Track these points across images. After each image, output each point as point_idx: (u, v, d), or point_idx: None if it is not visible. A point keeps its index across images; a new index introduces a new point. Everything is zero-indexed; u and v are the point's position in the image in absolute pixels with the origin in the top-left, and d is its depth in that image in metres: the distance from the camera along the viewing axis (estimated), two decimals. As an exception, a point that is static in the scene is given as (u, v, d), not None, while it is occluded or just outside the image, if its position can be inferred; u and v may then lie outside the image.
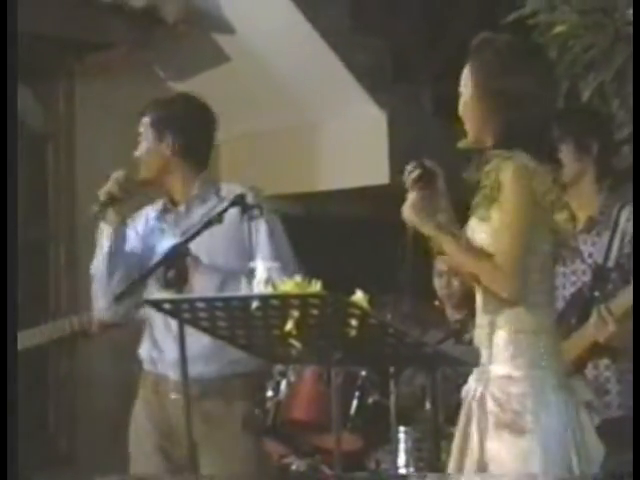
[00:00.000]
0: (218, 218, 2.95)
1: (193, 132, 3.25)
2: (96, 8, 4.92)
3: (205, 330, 2.50)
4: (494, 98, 2.54)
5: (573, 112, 3.52)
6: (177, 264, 2.74)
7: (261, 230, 3.16)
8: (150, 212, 3.30)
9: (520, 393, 2.50)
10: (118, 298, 2.93)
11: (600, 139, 3.28)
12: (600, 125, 3.40)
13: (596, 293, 3.10)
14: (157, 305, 2.49)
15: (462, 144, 2.58)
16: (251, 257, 3.05)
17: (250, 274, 2.38)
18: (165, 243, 3.09)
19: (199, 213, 3.19)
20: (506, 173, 2.50)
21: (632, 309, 2.92)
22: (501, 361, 2.54)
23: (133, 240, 3.23)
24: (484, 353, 2.57)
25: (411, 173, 2.57)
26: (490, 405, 2.51)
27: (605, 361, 3.12)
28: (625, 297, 3.00)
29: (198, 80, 5.36)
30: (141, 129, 3.30)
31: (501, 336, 2.54)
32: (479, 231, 2.55)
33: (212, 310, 2.35)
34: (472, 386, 2.58)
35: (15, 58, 2.82)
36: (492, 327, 2.55)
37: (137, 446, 3.22)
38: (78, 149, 5.09)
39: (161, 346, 3.17)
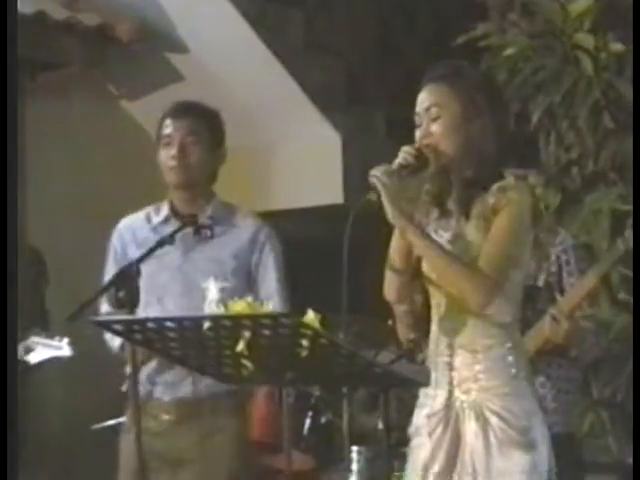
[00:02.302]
0: (170, 239, 2.95)
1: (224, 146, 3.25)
2: (49, 26, 4.90)
3: (157, 351, 2.48)
4: (485, 119, 2.56)
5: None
6: (128, 284, 2.72)
7: (268, 258, 3.20)
8: (141, 221, 3.24)
9: (529, 410, 2.54)
10: (70, 318, 2.91)
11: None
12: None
13: (528, 313, 3.17)
14: (108, 326, 2.48)
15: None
16: (256, 284, 3.13)
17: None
18: (170, 255, 3.08)
19: (208, 234, 3.15)
20: (517, 191, 2.52)
21: (579, 307, 3.01)
22: (496, 377, 2.54)
23: (132, 246, 3.20)
24: (448, 374, 2.57)
25: (405, 151, 2.54)
26: (494, 422, 2.52)
27: (541, 379, 3.18)
28: (570, 295, 3.09)
29: (152, 99, 5.35)
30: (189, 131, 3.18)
31: (494, 353, 2.55)
32: (469, 240, 2.56)
33: (163, 331, 2.34)
34: (459, 405, 2.56)
35: (15, 57, 2.81)
36: (452, 349, 2.57)
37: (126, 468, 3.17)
38: (29, 167, 5.06)
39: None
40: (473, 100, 2.57)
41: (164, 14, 5.13)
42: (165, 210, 3.24)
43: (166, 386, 3.13)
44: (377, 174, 2.52)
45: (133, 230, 3.24)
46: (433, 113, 2.57)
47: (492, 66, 4.25)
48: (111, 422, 4.11)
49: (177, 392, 3.13)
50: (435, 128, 2.57)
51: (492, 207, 2.53)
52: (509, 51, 4.30)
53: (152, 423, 3.12)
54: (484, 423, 2.53)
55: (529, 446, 2.51)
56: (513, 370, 2.55)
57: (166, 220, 3.22)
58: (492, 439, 2.51)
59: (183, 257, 3.17)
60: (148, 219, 3.25)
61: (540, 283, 3.20)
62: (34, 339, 3.61)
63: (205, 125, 3.23)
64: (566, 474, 2.66)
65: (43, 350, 3.61)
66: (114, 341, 3.16)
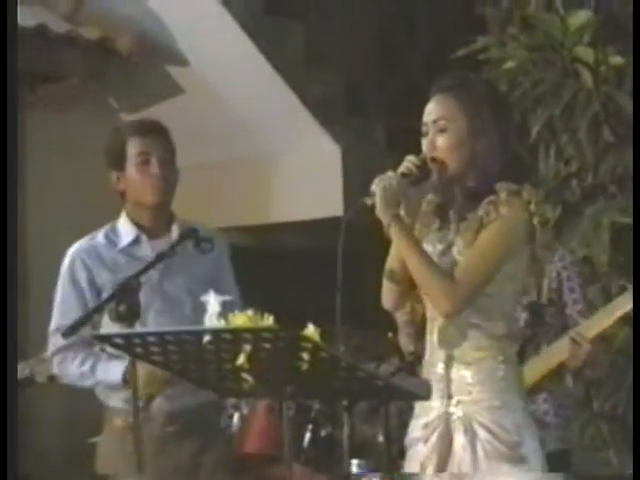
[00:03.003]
0: (170, 252, 2.96)
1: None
2: (50, 39, 4.91)
3: (157, 364, 2.48)
4: (491, 134, 2.56)
5: None
6: (128, 298, 2.73)
7: (230, 272, 3.24)
8: (103, 245, 3.21)
9: (519, 424, 2.52)
10: (66, 333, 2.91)
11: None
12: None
13: (527, 331, 3.17)
14: (108, 340, 2.48)
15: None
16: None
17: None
18: (148, 272, 3.03)
19: (182, 252, 3.10)
20: (509, 206, 2.52)
21: (603, 333, 2.99)
22: (486, 390, 2.54)
23: (102, 272, 3.16)
24: (444, 386, 2.56)
25: (409, 161, 2.54)
26: (483, 435, 2.51)
27: (543, 395, 3.17)
28: (596, 321, 3.07)
29: (152, 112, 5.35)
30: (152, 150, 3.17)
31: (486, 366, 2.55)
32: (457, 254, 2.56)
33: (164, 344, 2.34)
34: (450, 417, 2.55)
35: (15, 59, 2.82)
36: (450, 360, 2.57)
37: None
38: (29, 179, 5.06)
39: None
40: (480, 115, 2.57)
41: (164, 27, 5.14)
42: (132, 230, 3.20)
43: (166, 397, 3.11)
44: (377, 179, 2.53)
45: (97, 255, 3.19)
46: (440, 125, 2.57)
47: (492, 79, 4.26)
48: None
49: (179, 403, 3.12)
50: (441, 142, 2.57)
51: (480, 220, 2.54)
52: (509, 64, 4.31)
53: (153, 435, 3.11)
54: (472, 436, 2.52)
55: (519, 460, 2.50)
56: (504, 383, 2.55)
57: (136, 240, 3.19)
58: (480, 452, 2.51)
59: (160, 274, 3.14)
60: (111, 242, 3.21)
61: (543, 300, 3.20)
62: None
63: (171, 143, 3.24)
64: None
65: None
66: (111, 375, 3.10)
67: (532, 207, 2.54)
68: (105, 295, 3.05)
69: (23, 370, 3.47)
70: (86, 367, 3.13)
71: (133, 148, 3.19)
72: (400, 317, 4.24)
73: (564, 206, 4.20)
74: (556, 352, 3.09)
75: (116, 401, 3.17)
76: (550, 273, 3.21)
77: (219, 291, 3.04)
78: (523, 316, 3.21)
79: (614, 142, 4.26)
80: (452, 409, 2.56)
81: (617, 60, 4.18)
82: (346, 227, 2.50)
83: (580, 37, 4.23)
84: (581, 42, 4.23)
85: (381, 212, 2.52)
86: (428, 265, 2.53)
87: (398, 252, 2.59)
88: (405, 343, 4.18)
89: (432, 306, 2.57)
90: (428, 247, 2.61)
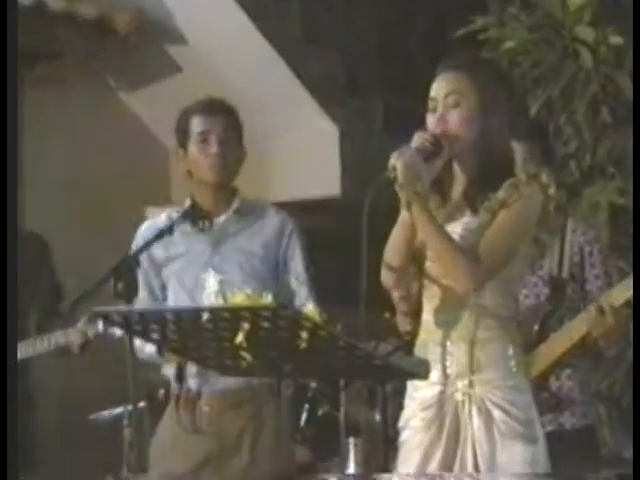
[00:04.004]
0: (168, 231, 2.95)
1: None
2: (48, 18, 4.89)
3: (156, 342, 2.48)
4: (503, 114, 2.55)
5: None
6: (127, 276, 2.73)
7: (296, 246, 3.23)
8: (162, 221, 3.20)
9: (530, 402, 2.53)
10: (70, 308, 2.92)
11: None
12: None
13: (548, 307, 3.16)
14: (106, 317, 2.48)
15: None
16: (286, 274, 3.17)
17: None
18: (199, 249, 3.10)
19: (235, 227, 3.15)
20: (529, 188, 2.51)
21: (629, 303, 2.98)
22: (497, 370, 2.53)
23: (157, 248, 3.15)
24: (442, 366, 2.55)
25: (422, 136, 2.51)
26: (497, 414, 2.50)
27: (567, 371, 3.17)
28: (621, 290, 3.06)
29: (150, 90, 5.35)
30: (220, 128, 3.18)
31: (495, 346, 2.54)
32: (473, 231, 2.55)
33: (163, 322, 2.34)
34: (459, 397, 2.54)
35: (15, 37, 2.81)
36: (447, 340, 2.56)
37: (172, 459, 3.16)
38: (27, 157, 5.05)
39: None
40: (492, 92, 2.56)
41: (162, 5, 5.12)
42: (186, 206, 3.21)
43: (214, 377, 3.03)
44: (397, 153, 2.48)
45: (156, 229, 3.17)
46: (452, 100, 2.54)
47: (491, 59, 4.25)
48: (109, 412, 4.12)
49: (223, 382, 3.06)
50: (452, 116, 2.54)
51: (501, 201, 2.52)
52: (508, 44, 4.30)
53: (202, 415, 3.11)
54: (487, 416, 2.51)
55: (532, 439, 2.50)
56: (513, 363, 2.54)
57: (185, 216, 3.19)
58: (495, 432, 2.50)
59: (212, 250, 3.16)
60: (169, 219, 3.21)
61: (564, 274, 3.19)
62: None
63: (235, 121, 3.24)
64: (587, 466, 2.66)
65: None
66: (149, 347, 3.02)
67: (551, 191, 2.53)
68: (164, 271, 3.12)
69: (58, 339, 3.52)
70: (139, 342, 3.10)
71: (195, 126, 3.19)
72: (396, 293, 4.23)
73: (562, 187, 4.20)
74: (579, 325, 3.07)
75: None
76: (572, 247, 3.20)
77: (269, 271, 3.05)
78: (545, 291, 3.20)
79: (613, 123, 4.25)
80: (463, 389, 2.54)
81: (617, 40, 4.17)
82: (346, 205, 2.49)
83: (580, 16, 4.22)
84: (581, 21, 4.22)
85: (403, 188, 2.47)
86: (451, 244, 2.50)
87: (397, 242, 2.57)
88: (402, 322, 4.18)
89: (453, 283, 2.54)
90: None
